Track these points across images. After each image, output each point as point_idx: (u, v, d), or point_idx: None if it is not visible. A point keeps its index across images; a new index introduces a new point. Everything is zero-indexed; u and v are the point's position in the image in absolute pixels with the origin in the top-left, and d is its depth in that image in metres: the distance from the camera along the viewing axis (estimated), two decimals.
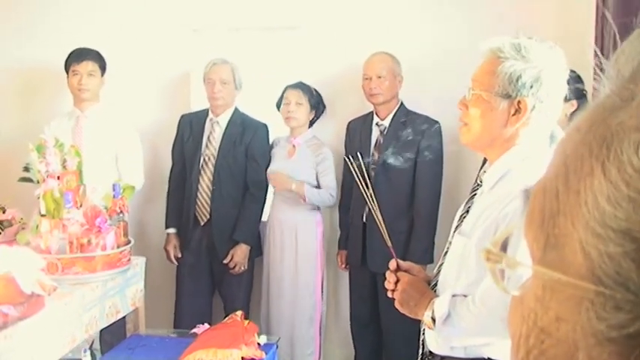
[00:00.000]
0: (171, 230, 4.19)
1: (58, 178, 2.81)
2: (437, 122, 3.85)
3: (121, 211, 3.02)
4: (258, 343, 2.87)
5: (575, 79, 2.61)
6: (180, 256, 4.15)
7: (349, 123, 4.09)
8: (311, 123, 4.09)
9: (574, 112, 3.06)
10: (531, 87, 1.78)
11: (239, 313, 3.07)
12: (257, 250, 4.16)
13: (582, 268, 0.37)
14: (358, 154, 2.42)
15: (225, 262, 4.01)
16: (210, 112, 4.14)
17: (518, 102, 1.80)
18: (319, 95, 4.08)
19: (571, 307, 0.37)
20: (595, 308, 0.36)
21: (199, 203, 4.06)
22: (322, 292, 4.08)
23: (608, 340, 0.35)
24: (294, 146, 4.01)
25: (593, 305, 0.36)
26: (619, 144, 0.36)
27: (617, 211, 0.35)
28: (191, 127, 4.15)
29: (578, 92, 2.94)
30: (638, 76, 0.38)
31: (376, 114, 3.95)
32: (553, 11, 3.70)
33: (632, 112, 0.36)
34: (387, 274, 1.99)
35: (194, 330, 3.09)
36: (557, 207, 0.39)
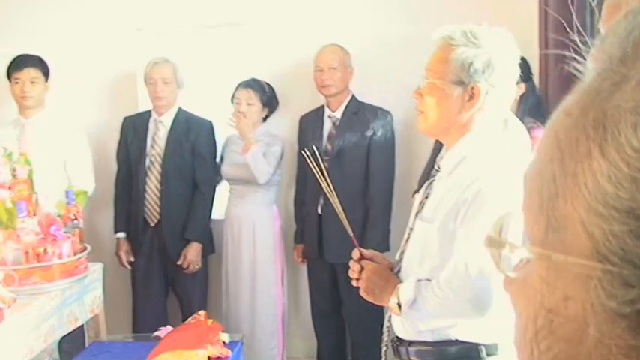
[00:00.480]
0: (121, 235, 4.15)
1: (10, 188, 2.76)
2: (388, 112, 3.90)
3: (76, 218, 2.98)
4: (224, 342, 2.86)
5: (521, 62, 2.67)
6: (132, 260, 4.11)
7: (301, 117, 4.10)
8: (265, 118, 4.08)
9: (522, 94, 3.14)
10: (483, 72, 1.82)
11: (202, 312, 3.06)
12: (209, 248, 4.16)
13: (586, 248, 0.37)
14: (314, 147, 2.44)
15: (178, 262, 3.98)
16: (153, 113, 4.10)
17: (472, 88, 1.83)
18: (272, 90, 4.06)
19: (578, 287, 0.38)
20: (603, 285, 0.37)
21: (148, 205, 4.03)
22: (282, 285, 4.09)
23: (621, 316, 0.36)
24: None
25: (601, 283, 0.37)
26: (616, 126, 0.37)
27: (619, 190, 0.36)
28: (134, 129, 4.11)
29: (525, 75, 3.02)
30: (628, 59, 0.39)
31: (328, 106, 3.97)
32: None
33: (627, 95, 0.37)
34: (351, 263, 2.01)
35: (157, 333, 3.06)
36: (556, 190, 0.40)
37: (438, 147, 3.07)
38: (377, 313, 3.79)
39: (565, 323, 0.39)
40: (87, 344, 3.21)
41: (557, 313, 0.40)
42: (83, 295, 2.94)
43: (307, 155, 2.20)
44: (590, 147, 0.38)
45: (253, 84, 3.98)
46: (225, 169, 4.06)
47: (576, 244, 0.38)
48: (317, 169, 2.09)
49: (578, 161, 0.39)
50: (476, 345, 1.85)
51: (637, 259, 0.36)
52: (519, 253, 0.44)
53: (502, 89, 1.86)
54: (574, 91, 0.42)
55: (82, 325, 3.10)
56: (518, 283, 0.44)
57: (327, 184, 2.05)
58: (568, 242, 0.39)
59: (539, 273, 0.41)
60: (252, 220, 3.98)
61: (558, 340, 0.40)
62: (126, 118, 4.18)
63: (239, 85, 3.99)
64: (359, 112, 3.90)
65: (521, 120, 2.78)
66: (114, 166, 4.22)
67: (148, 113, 4.14)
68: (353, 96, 3.96)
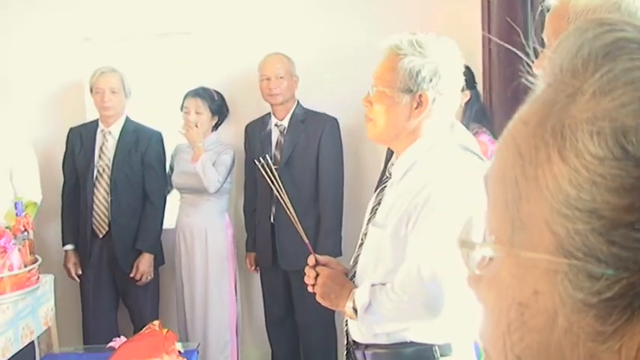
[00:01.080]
0: (69, 247, 4.10)
1: None
2: (335, 119, 3.94)
3: (26, 229, 2.93)
4: (179, 351, 2.85)
5: (466, 70, 2.76)
6: (80, 272, 4.06)
7: (247, 126, 4.10)
8: (216, 126, 4.09)
9: (468, 101, 3.22)
10: (431, 81, 1.88)
11: (156, 322, 3.04)
12: (160, 259, 4.14)
13: (551, 245, 0.41)
14: (267, 156, 2.47)
15: (131, 275, 3.96)
16: (100, 123, 4.07)
17: (420, 96, 1.89)
18: (222, 99, 4.07)
19: (547, 281, 0.41)
20: (570, 279, 0.40)
21: (96, 216, 3.99)
22: (236, 294, 4.09)
23: (589, 306, 0.40)
24: None
25: (567, 277, 0.40)
26: (574, 134, 0.40)
27: (581, 193, 0.40)
28: (81, 140, 4.07)
29: (469, 83, 3.10)
30: (579, 73, 0.43)
31: (274, 114, 3.98)
32: (443, 8, 3.85)
33: (582, 107, 0.41)
34: (307, 269, 2.04)
35: (111, 344, 3.03)
36: (519, 193, 0.43)
37: (390, 154, 3.14)
38: (329, 320, 3.84)
39: (536, 315, 0.42)
40: (38, 358, 3.16)
41: (527, 306, 0.43)
42: (37, 308, 2.90)
43: (261, 164, 2.22)
44: (549, 153, 0.42)
45: (202, 93, 3.98)
46: (175, 178, 4.05)
47: (542, 241, 0.41)
48: (270, 178, 2.11)
49: (538, 166, 0.42)
50: (430, 346, 1.90)
51: (600, 254, 0.39)
52: (485, 253, 0.47)
53: (448, 96, 1.92)
54: (529, 101, 0.46)
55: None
56: (487, 281, 0.47)
57: (281, 192, 2.08)
58: (534, 240, 0.42)
59: (508, 270, 0.44)
60: (204, 229, 3.98)
61: (530, 330, 0.43)
62: (72, 129, 4.13)
63: (187, 94, 3.99)
64: (305, 120, 3.92)
65: (467, 125, 2.87)
66: (62, 177, 4.17)
67: (94, 124, 4.10)
68: (298, 103, 3.98)
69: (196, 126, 3.89)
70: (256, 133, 4.02)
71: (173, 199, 4.21)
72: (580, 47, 0.44)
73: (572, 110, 0.41)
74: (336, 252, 3.73)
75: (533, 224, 0.42)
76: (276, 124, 3.97)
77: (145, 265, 3.99)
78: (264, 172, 2.16)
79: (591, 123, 0.40)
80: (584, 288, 0.40)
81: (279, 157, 3.87)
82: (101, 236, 4.00)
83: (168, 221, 4.16)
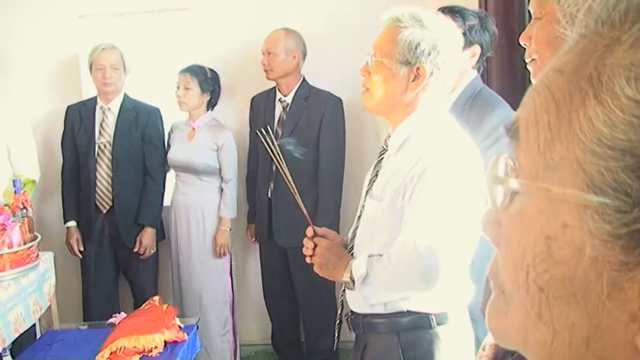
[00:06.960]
0: (72, 223, 4.11)
1: None
2: (338, 98, 3.91)
3: (24, 207, 2.94)
4: (179, 326, 2.88)
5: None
6: (83, 248, 4.09)
7: (253, 98, 4.09)
8: (211, 105, 4.08)
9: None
10: (429, 54, 1.89)
11: (156, 298, 3.07)
12: (160, 234, 4.18)
13: (582, 182, 0.44)
14: (268, 127, 2.47)
15: (135, 250, 4.00)
16: (98, 100, 4.07)
17: (417, 68, 1.90)
18: (215, 77, 4.06)
19: (576, 215, 0.44)
20: (599, 212, 0.43)
21: (99, 192, 4.02)
22: (231, 273, 4.10)
23: (617, 237, 0.43)
24: (193, 129, 4.01)
25: (597, 210, 0.43)
26: (610, 79, 0.43)
27: (615, 132, 0.42)
28: (81, 117, 4.08)
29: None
30: (616, 25, 0.45)
31: (279, 90, 3.96)
32: None
33: (620, 55, 0.44)
34: (305, 240, 2.05)
35: (111, 320, 3.06)
36: (551, 136, 0.46)
37: None
38: (329, 294, 3.86)
39: (563, 247, 0.45)
40: (38, 334, 3.18)
41: (555, 238, 0.45)
42: (42, 284, 2.93)
43: (263, 135, 2.22)
44: (584, 98, 0.44)
45: (193, 69, 3.97)
46: (171, 157, 4.06)
47: (573, 179, 0.44)
48: (271, 149, 2.12)
49: (572, 110, 0.45)
50: (427, 315, 1.92)
51: (629, 190, 0.42)
52: (515, 187, 0.49)
53: (446, 71, 1.93)
54: (562, 52, 0.49)
55: None
56: (511, 217, 0.50)
57: (280, 163, 2.08)
58: (564, 178, 0.45)
59: (537, 205, 0.47)
60: (201, 207, 3.99)
61: (556, 262, 0.45)
62: (70, 107, 4.13)
63: (180, 71, 3.99)
64: (309, 98, 3.89)
65: None
66: (59, 154, 4.17)
67: (92, 101, 4.11)
68: (304, 81, 3.94)
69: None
70: (260, 106, 4.01)
71: (169, 177, 4.21)
72: (617, 2, 0.46)
73: (609, 59, 0.44)
74: (334, 229, 3.72)
75: (564, 163, 0.45)
76: (279, 100, 3.95)
77: (147, 239, 4.03)
78: (264, 143, 2.16)
79: (629, 69, 0.43)
80: (613, 221, 0.43)
81: (280, 133, 3.85)
82: (104, 212, 4.04)
83: (164, 198, 4.16)
